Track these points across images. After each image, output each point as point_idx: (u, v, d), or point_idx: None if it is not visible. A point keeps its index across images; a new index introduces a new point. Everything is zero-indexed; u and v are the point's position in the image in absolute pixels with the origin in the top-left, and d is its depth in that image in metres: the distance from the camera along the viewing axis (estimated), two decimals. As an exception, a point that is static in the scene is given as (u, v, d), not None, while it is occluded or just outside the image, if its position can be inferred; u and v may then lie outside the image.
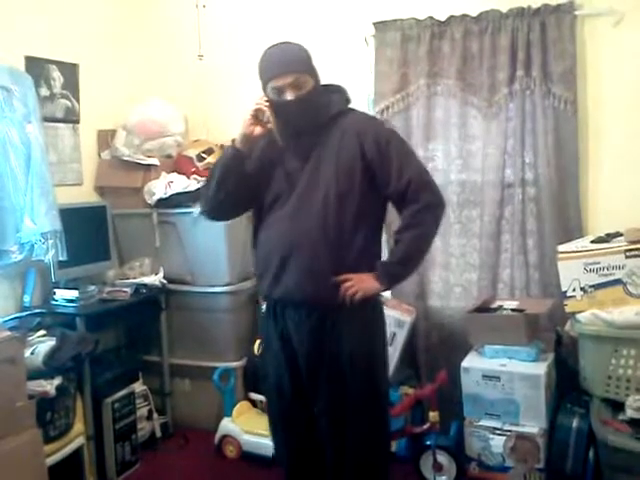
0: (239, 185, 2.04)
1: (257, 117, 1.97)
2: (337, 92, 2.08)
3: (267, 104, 1.95)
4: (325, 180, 1.96)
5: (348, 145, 1.97)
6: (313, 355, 2.03)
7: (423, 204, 1.97)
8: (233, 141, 2.05)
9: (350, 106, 2.09)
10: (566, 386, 2.67)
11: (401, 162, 1.98)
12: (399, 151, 2.00)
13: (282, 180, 2.03)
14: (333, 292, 1.96)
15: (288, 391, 2.12)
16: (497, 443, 2.60)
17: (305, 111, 1.95)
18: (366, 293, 1.97)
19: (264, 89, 1.99)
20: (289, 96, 1.93)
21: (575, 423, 2.49)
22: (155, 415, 3.20)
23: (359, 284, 1.96)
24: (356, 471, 2.08)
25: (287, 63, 1.94)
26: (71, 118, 3.26)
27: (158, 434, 3.20)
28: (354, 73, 3.18)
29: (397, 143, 2.03)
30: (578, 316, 2.46)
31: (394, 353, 2.94)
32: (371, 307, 2.07)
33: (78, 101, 3.27)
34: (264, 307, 2.17)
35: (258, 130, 1.98)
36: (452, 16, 3.00)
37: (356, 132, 1.98)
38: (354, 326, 2.01)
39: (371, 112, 3.16)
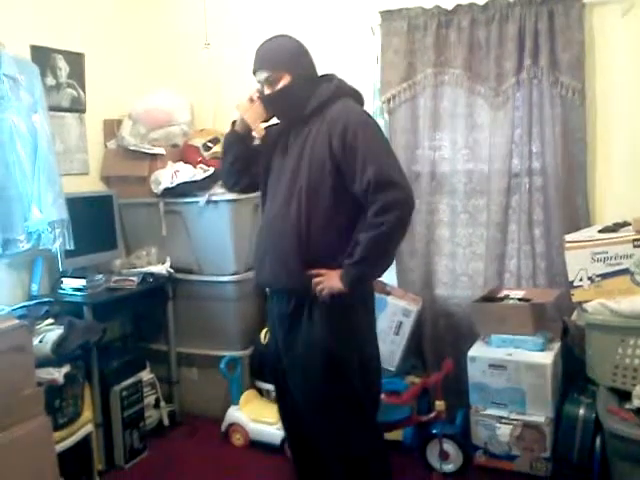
0: (243, 154, 2.23)
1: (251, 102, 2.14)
2: (327, 82, 2.08)
3: (258, 94, 2.12)
4: (301, 173, 2.01)
5: (321, 137, 2.00)
6: (288, 342, 2.12)
7: (383, 204, 1.91)
8: (233, 123, 2.24)
9: (340, 96, 2.06)
10: (573, 375, 2.67)
11: (364, 159, 1.93)
12: (364, 146, 1.94)
13: (274, 171, 2.14)
14: (305, 283, 2.01)
15: (280, 375, 2.22)
16: (503, 432, 2.61)
17: (278, 106, 2.08)
18: (331, 291, 1.99)
19: None
20: (265, 91, 2.08)
21: (581, 412, 2.50)
22: (162, 403, 3.22)
23: (327, 281, 1.99)
24: (337, 463, 2.14)
25: (261, 60, 2.06)
26: (77, 107, 3.26)
27: (166, 422, 3.23)
28: (360, 62, 3.17)
29: (364, 136, 1.95)
30: (585, 305, 2.46)
31: (400, 342, 2.94)
32: (343, 308, 2.03)
33: (84, 90, 3.27)
34: (268, 293, 2.29)
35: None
36: (459, 5, 2.98)
37: (327, 123, 2.00)
38: (326, 320, 2.03)
39: (377, 101, 3.15)
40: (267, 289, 2.30)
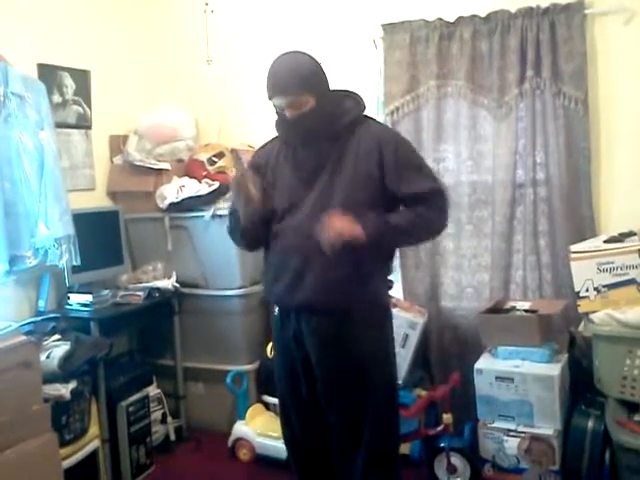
0: (259, 222, 2.08)
1: (241, 189, 2.01)
2: (351, 99, 2.08)
3: (243, 174, 2.06)
4: (342, 188, 1.96)
5: (367, 153, 1.98)
6: (326, 360, 2.05)
7: (439, 209, 2.04)
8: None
9: (365, 114, 2.10)
10: (580, 387, 2.65)
11: (419, 172, 2.01)
12: (417, 162, 2.05)
13: (295, 189, 2.04)
14: (348, 300, 1.99)
15: (301, 394, 2.14)
16: (511, 445, 2.59)
17: (304, 128, 1.99)
18: (350, 234, 1.88)
19: (270, 100, 2.03)
20: (288, 114, 1.98)
21: (590, 424, 2.48)
22: (169, 418, 3.22)
23: (347, 224, 1.88)
24: (370, 470, 2.10)
25: (284, 85, 1.95)
26: (83, 124, 3.29)
27: (172, 437, 3.22)
28: (363, 75, 3.19)
29: (413, 153, 2.08)
30: (592, 316, 2.45)
31: (407, 355, 2.93)
32: (383, 311, 2.10)
33: (90, 107, 3.30)
34: (276, 312, 2.16)
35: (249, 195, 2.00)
36: (461, 17, 2.99)
37: (376, 141, 1.99)
38: (367, 331, 2.03)
39: (380, 114, 3.16)
40: (276, 307, 2.16)
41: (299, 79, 1.94)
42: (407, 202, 2.02)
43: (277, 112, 2.03)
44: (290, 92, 1.94)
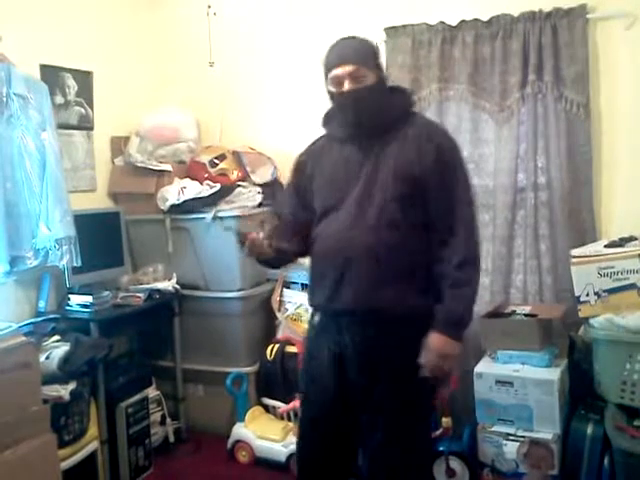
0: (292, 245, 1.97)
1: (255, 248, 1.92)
2: (400, 94, 2.01)
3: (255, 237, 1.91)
4: (382, 185, 1.86)
5: (409, 150, 1.87)
6: (370, 365, 1.90)
7: (466, 256, 1.87)
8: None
9: (413, 110, 2.02)
10: (580, 392, 2.65)
11: (460, 196, 1.88)
12: (463, 181, 1.90)
13: (338, 187, 1.93)
14: (394, 301, 1.86)
15: (335, 403, 1.97)
16: (510, 449, 2.58)
17: (361, 105, 1.86)
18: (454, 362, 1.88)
19: (325, 81, 1.93)
20: (347, 86, 1.86)
21: (590, 429, 2.47)
22: (168, 420, 3.22)
23: (448, 359, 1.84)
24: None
25: (346, 53, 1.88)
26: (85, 125, 3.29)
27: (171, 439, 3.22)
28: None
29: (461, 169, 1.92)
30: (592, 321, 2.45)
31: (406, 358, 2.92)
32: (428, 313, 1.90)
33: (92, 108, 3.31)
34: (316, 318, 2.01)
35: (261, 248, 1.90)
36: (463, 21, 3.00)
37: (417, 138, 1.88)
38: (414, 335, 1.87)
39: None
40: (316, 315, 2.01)
41: (364, 51, 1.90)
42: (435, 222, 1.88)
43: (332, 95, 1.91)
44: (355, 61, 1.85)
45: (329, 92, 1.92)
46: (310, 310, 2.08)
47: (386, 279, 1.85)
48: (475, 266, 1.91)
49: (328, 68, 1.89)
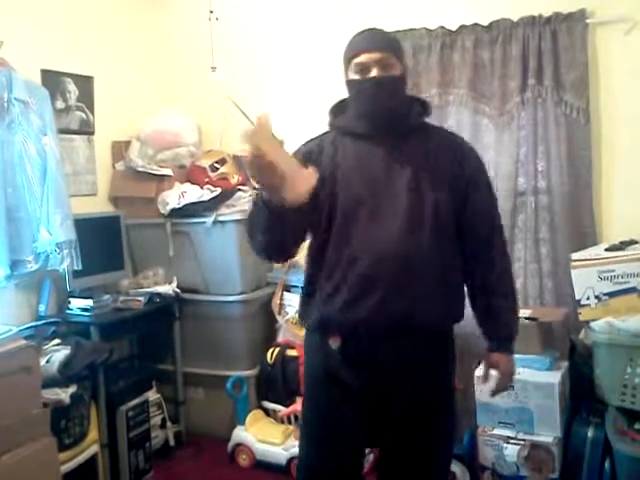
0: (294, 226, 1.65)
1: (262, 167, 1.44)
2: (417, 99, 1.86)
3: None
4: (429, 189, 1.69)
5: (443, 158, 1.73)
6: (406, 389, 1.72)
7: (504, 268, 1.82)
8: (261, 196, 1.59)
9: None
10: (581, 395, 2.64)
11: (491, 204, 1.82)
12: (490, 189, 1.83)
13: (372, 188, 1.70)
14: (442, 315, 1.73)
15: (360, 447, 1.85)
16: (511, 452, 2.58)
17: (389, 96, 1.69)
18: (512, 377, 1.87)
19: (346, 71, 1.77)
20: (376, 73, 1.68)
21: (590, 432, 2.47)
22: (169, 423, 3.22)
23: (507, 378, 1.85)
24: None
25: (377, 40, 1.73)
26: (86, 130, 3.30)
27: (172, 442, 3.22)
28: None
29: (488, 179, 1.84)
30: (592, 324, 2.45)
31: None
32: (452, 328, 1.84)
33: (93, 113, 3.32)
34: (335, 345, 1.73)
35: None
36: (463, 25, 3.01)
37: (451, 145, 1.78)
38: (450, 353, 1.82)
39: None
40: (337, 339, 1.73)
41: (395, 40, 1.79)
42: (468, 234, 1.77)
43: (352, 84, 1.73)
44: (386, 47, 1.71)
45: (349, 82, 1.75)
46: (318, 329, 1.78)
47: (436, 292, 1.70)
48: (513, 277, 1.88)
49: (353, 54, 1.72)
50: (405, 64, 1.77)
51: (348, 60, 1.74)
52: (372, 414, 1.75)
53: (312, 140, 1.83)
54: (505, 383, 1.86)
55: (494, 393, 1.90)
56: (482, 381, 1.90)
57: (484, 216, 1.78)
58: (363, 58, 1.69)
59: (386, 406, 1.74)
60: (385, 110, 1.71)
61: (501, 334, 1.82)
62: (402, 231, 1.66)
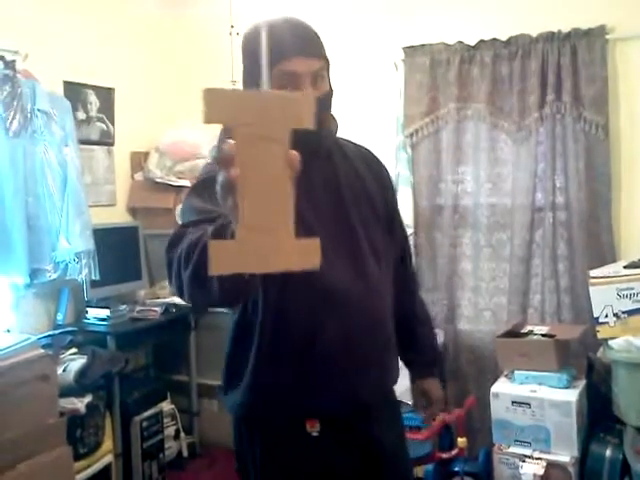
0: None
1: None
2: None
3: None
4: (363, 216, 1.41)
5: (365, 177, 1.46)
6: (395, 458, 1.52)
7: (416, 287, 1.72)
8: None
9: None
10: (599, 414, 2.61)
11: (400, 220, 1.62)
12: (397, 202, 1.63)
13: (309, 224, 1.29)
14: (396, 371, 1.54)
15: None
16: (527, 471, 2.54)
17: (321, 114, 1.21)
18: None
19: (255, 74, 1.09)
20: (308, 89, 1.28)
21: (608, 452, 2.44)
22: (182, 435, 3.22)
23: (440, 403, 1.67)
24: None
25: (311, 40, 1.31)
26: (106, 140, 3.34)
27: (185, 454, 3.22)
28: (383, 97, 3.21)
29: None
30: (611, 342, 2.42)
31: (422, 377, 2.91)
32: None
33: (113, 124, 3.36)
34: (315, 431, 1.38)
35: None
36: (482, 40, 3.01)
37: (364, 159, 1.49)
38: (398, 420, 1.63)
39: (400, 135, 3.17)
40: (316, 424, 1.37)
41: (324, 46, 1.36)
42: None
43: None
44: (321, 55, 1.32)
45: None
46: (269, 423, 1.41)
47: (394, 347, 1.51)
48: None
49: (280, 56, 1.24)
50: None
51: (266, 61, 1.24)
52: None
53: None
54: (439, 408, 1.70)
55: (428, 420, 1.79)
56: (422, 411, 1.72)
57: (403, 237, 1.62)
58: (297, 67, 1.27)
59: None
60: (321, 135, 1.31)
61: (429, 359, 1.68)
62: (350, 276, 1.38)
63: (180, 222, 1.27)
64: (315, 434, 1.37)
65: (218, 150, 0.84)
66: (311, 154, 1.13)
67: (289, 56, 1.26)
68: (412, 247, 3.18)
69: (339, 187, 1.40)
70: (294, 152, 0.81)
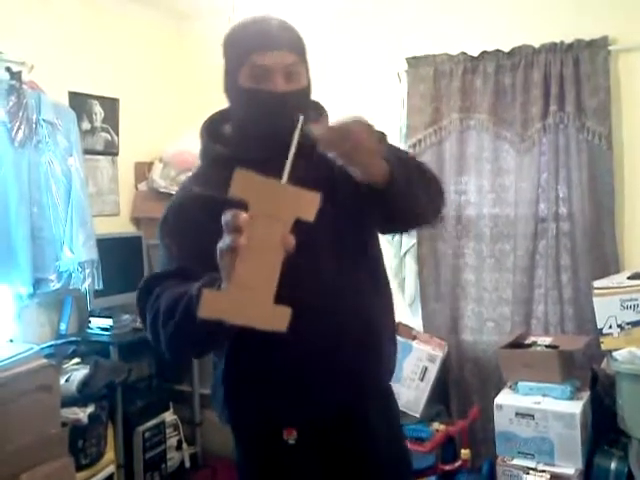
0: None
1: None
2: (313, 108, 1.43)
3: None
4: (338, 227, 1.34)
5: (336, 177, 1.33)
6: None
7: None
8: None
9: None
10: (603, 426, 2.59)
11: None
12: None
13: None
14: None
15: None
16: (531, 483, 2.54)
17: (294, 110, 1.21)
18: (375, 151, 1.23)
19: (233, 72, 1.37)
20: (280, 86, 1.27)
21: (613, 465, 2.42)
22: (185, 445, 3.21)
23: (370, 137, 1.21)
24: None
25: (283, 37, 1.30)
26: (110, 151, 3.35)
27: (187, 464, 3.21)
28: (386, 107, 3.21)
29: None
30: (615, 354, 2.41)
31: (425, 388, 2.90)
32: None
33: (117, 134, 3.38)
34: (292, 439, 1.37)
35: None
36: (485, 51, 3.02)
37: (327, 159, 1.28)
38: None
39: (403, 145, 3.18)
40: (293, 432, 1.37)
41: (301, 39, 1.34)
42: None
43: (249, 95, 1.32)
44: (295, 49, 1.31)
45: (244, 90, 1.32)
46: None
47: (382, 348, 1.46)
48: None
49: (251, 49, 1.28)
50: (308, 63, 1.36)
51: (238, 57, 1.33)
52: None
53: (186, 193, 1.40)
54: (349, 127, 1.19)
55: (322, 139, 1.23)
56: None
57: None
58: (267, 60, 1.27)
59: None
60: (287, 130, 1.15)
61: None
62: (330, 283, 1.35)
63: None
64: (292, 442, 1.36)
65: (230, 217, 0.96)
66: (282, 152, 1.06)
67: (261, 50, 1.28)
68: (415, 257, 3.20)
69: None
70: (291, 236, 0.94)
